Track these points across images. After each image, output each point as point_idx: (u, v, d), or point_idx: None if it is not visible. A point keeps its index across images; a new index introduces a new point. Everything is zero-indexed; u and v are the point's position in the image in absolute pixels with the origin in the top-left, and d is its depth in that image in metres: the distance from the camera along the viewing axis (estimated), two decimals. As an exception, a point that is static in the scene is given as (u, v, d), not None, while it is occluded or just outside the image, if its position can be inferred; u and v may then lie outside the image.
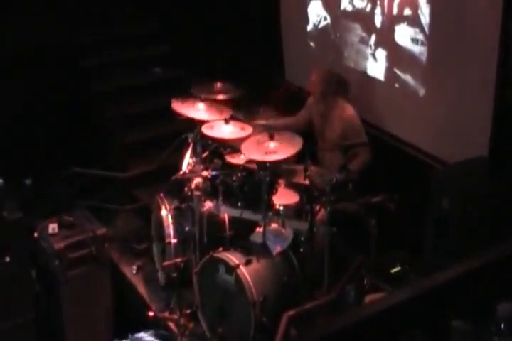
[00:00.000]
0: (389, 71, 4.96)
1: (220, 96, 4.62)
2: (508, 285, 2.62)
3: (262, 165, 4.15)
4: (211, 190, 4.34)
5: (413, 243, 4.43)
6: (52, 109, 6.21)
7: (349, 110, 4.76)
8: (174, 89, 6.31)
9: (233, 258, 4.12)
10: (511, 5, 3.93)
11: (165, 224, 4.62)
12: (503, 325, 2.28)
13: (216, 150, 4.51)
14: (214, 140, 4.47)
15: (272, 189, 4.19)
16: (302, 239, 4.17)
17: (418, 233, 4.28)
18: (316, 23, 5.63)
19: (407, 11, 4.70)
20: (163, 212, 4.65)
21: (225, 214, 4.38)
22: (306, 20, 5.70)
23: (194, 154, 4.54)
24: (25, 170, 5.60)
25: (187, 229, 4.53)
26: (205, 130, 4.34)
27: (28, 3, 6.15)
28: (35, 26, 6.17)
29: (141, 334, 3.09)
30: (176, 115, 4.50)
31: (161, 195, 4.76)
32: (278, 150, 4.08)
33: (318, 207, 4.13)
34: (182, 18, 6.65)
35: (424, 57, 4.64)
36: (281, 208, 4.18)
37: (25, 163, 5.70)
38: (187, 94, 4.74)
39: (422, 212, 4.25)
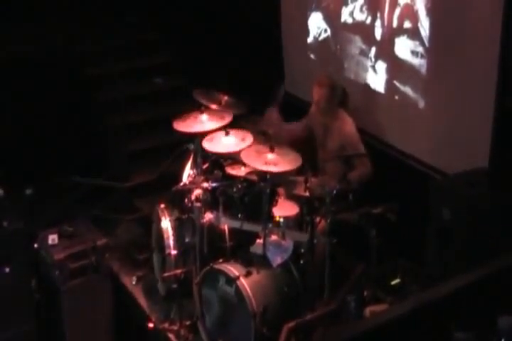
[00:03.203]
0: (389, 83, 4.99)
1: (221, 108, 4.64)
2: (511, 297, 2.63)
3: (262, 176, 4.17)
4: (211, 201, 4.34)
5: (414, 253, 4.44)
6: (53, 118, 6.23)
7: (349, 123, 4.78)
8: (175, 98, 6.35)
9: (233, 269, 4.12)
10: (511, 18, 3.96)
11: (165, 235, 4.62)
12: (503, 339, 2.28)
13: (216, 161, 4.52)
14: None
15: (273, 200, 4.20)
16: (302, 250, 4.17)
17: (419, 244, 4.29)
18: (317, 35, 5.66)
19: (407, 24, 4.73)
20: (164, 223, 4.65)
21: (226, 225, 4.37)
22: (306, 32, 5.73)
23: (194, 165, 4.55)
24: (25, 180, 5.60)
25: (187, 240, 4.53)
26: (206, 144, 4.34)
27: (27, 14, 6.19)
28: (34, 36, 6.21)
29: None
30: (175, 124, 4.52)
31: (162, 205, 4.77)
32: (277, 162, 4.10)
33: (318, 219, 4.14)
34: (183, 27, 6.69)
35: (423, 70, 4.66)
36: (282, 219, 4.19)
37: (25, 173, 5.70)
38: (188, 104, 4.76)
39: (422, 223, 4.26)
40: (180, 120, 4.54)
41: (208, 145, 4.34)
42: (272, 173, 4.09)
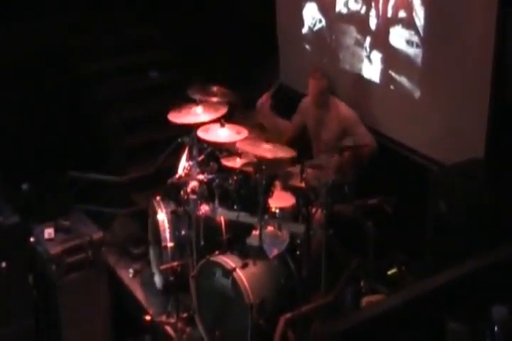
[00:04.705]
0: (384, 73, 4.97)
1: (216, 99, 4.62)
2: (504, 287, 2.62)
3: (258, 168, 4.16)
4: (207, 193, 4.34)
5: (411, 245, 4.43)
6: (50, 114, 6.22)
7: (343, 107, 4.79)
8: (172, 93, 6.32)
9: (229, 261, 4.12)
10: (506, 7, 3.94)
11: (161, 228, 4.62)
12: (496, 328, 2.28)
13: (212, 153, 4.52)
14: (210, 143, 4.47)
15: (268, 192, 4.19)
16: (299, 241, 4.16)
17: (416, 235, 4.28)
18: (312, 26, 5.63)
19: (402, 14, 4.71)
20: (160, 216, 4.65)
21: (222, 217, 4.38)
22: (301, 23, 5.70)
23: (190, 158, 4.54)
24: (21, 174, 5.59)
25: (183, 232, 4.53)
26: (201, 134, 4.34)
27: (25, 10, 6.16)
28: (32, 33, 6.18)
29: None
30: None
31: (158, 198, 4.76)
32: (273, 150, 4.11)
33: (314, 210, 4.13)
34: (180, 22, 6.67)
35: (419, 59, 4.64)
36: (278, 211, 4.18)
37: (22, 168, 5.69)
38: (184, 99, 4.74)
39: (419, 214, 4.25)
40: (176, 111, 4.52)
41: (203, 135, 4.33)
42: (268, 159, 4.07)
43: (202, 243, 4.39)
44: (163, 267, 4.55)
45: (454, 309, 2.53)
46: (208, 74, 5.91)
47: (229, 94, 4.58)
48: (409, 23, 4.64)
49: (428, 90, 4.66)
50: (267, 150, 4.12)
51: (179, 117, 4.45)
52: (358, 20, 5.11)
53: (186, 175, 4.48)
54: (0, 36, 6.01)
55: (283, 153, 4.14)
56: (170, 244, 4.58)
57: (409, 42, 4.68)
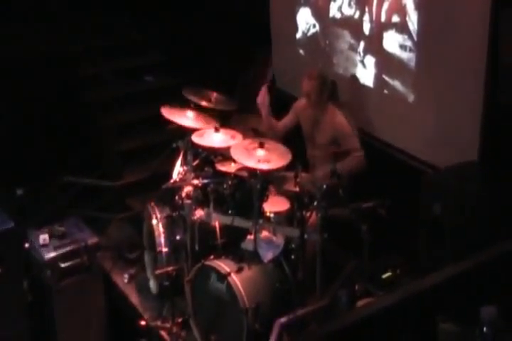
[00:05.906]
0: (378, 77, 4.98)
1: (212, 106, 4.64)
2: (494, 288, 2.64)
3: (252, 172, 4.17)
4: (202, 198, 4.35)
5: (405, 248, 4.44)
6: (45, 118, 6.21)
7: (339, 116, 4.77)
8: (167, 97, 6.33)
9: (224, 265, 4.12)
10: (499, 11, 3.96)
11: (156, 233, 4.62)
12: (485, 328, 2.29)
13: (207, 158, 4.52)
14: (204, 148, 4.48)
15: (263, 196, 4.20)
16: (293, 245, 4.17)
17: (411, 238, 4.29)
18: (305, 31, 5.65)
19: (396, 18, 4.73)
20: (154, 221, 4.65)
21: (217, 221, 4.38)
22: (295, 27, 5.72)
23: (185, 162, 4.54)
24: (16, 179, 5.59)
25: (178, 237, 4.53)
26: (195, 138, 4.35)
27: (25, 11, 6.17)
28: (32, 34, 6.19)
29: None
30: (166, 123, 4.52)
31: (152, 203, 4.76)
32: (269, 159, 4.09)
33: (309, 214, 4.13)
34: (175, 27, 6.68)
35: (412, 64, 4.66)
36: (273, 215, 4.18)
37: (16, 173, 5.69)
38: (180, 102, 4.75)
39: (414, 217, 4.25)
40: (169, 107, 4.54)
41: (197, 140, 4.34)
42: (264, 171, 4.08)
43: (197, 247, 4.39)
44: (158, 272, 4.55)
45: (445, 309, 2.54)
46: (205, 77, 5.92)
47: (224, 102, 4.59)
48: (402, 28, 4.66)
49: (422, 94, 4.67)
50: (264, 160, 4.08)
51: (170, 114, 4.46)
52: (352, 25, 5.13)
53: (181, 179, 4.49)
54: (0, 36, 6.02)
55: (279, 160, 4.12)
56: (165, 249, 4.58)
57: (402, 47, 4.70)
